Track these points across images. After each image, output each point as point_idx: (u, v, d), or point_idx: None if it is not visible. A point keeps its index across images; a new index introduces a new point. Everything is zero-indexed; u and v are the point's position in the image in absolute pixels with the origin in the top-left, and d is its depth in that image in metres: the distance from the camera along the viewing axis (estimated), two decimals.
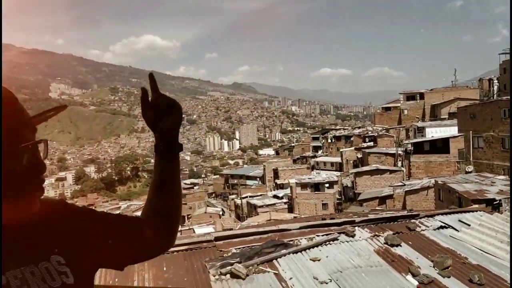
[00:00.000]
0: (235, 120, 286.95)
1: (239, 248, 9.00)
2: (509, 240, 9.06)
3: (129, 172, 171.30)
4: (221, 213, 51.22)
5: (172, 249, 9.04)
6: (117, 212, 64.24)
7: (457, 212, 11.80)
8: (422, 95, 59.49)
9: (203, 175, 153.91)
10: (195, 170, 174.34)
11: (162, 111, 1.20)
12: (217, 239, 9.51)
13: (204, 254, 8.83)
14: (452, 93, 56.39)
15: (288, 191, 45.61)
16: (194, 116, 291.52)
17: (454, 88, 61.93)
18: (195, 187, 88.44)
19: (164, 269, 8.21)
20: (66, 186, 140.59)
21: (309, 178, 43.45)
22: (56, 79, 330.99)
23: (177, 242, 9.65)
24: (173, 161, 1.28)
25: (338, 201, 41.68)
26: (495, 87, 59.43)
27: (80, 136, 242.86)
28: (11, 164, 0.98)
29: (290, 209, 42.19)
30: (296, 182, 42.21)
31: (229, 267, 7.86)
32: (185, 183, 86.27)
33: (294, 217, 32.89)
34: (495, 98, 45.06)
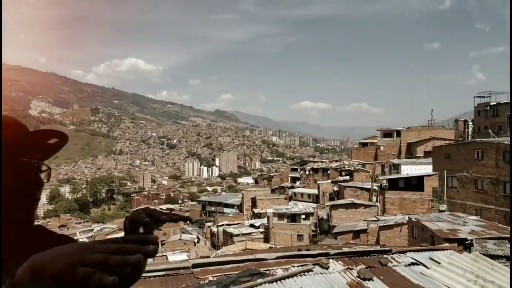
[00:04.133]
0: (216, 147, 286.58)
1: (215, 276, 9.10)
2: (475, 279, 9.43)
3: (104, 194, 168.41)
4: (196, 240, 50.57)
5: (148, 274, 9.10)
6: (90, 235, 62.90)
7: (428, 250, 12.17)
8: (398, 133, 60.91)
9: (180, 201, 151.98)
10: (172, 195, 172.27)
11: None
12: (194, 266, 9.60)
13: (181, 281, 8.90)
14: (428, 132, 57.91)
15: (265, 220, 45.54)
16: (174, 141, 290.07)
17: (430, 127, 63.62)
18: None
19: None
20: (39, 205, 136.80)
21: (286, 209, 43.54)
22: (38, 97, 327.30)
23: (154, 268, 9.75)
24: None
25: (313, 233, 41.78)
26: (470, 129, 61.43)
27: (57, 155, 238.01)
28: (11, 176, 1.11)
29: (266, 239, 42.09)
30: (273, 212, 42.23)
31: None
32: (161, 208, 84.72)
33: (270, 247, 32.84)
34: (469, 139, 46.41)
